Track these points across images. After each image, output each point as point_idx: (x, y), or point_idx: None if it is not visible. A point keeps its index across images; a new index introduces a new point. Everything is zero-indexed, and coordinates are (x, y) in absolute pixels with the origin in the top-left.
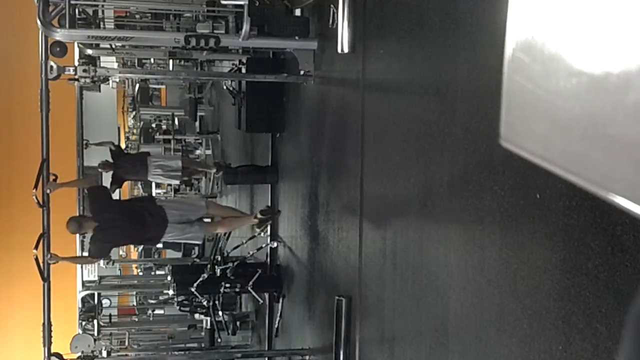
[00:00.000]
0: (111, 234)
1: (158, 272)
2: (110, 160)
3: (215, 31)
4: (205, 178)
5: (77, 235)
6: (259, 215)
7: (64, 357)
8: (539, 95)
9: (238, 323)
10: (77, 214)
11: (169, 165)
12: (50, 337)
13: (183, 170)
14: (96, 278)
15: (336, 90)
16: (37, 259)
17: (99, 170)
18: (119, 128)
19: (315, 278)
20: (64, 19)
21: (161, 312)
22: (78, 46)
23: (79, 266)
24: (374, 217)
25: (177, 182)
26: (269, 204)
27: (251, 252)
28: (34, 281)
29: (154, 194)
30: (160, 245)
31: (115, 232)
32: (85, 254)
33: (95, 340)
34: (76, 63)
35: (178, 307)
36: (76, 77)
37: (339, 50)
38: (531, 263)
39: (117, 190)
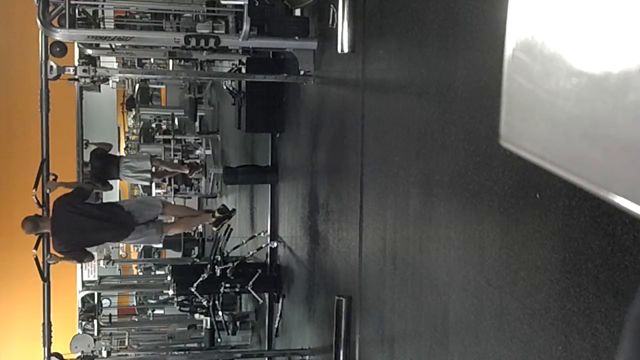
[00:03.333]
0: (64, 235)
1: (158, 272)
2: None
3: (215, 31)
4: (205, 178)
5: None
6: (216, 214)
7: (64, 357)
8: (539, 95)
9: (238, 323)
10: (32, 214)
11: (138, 166)
12: (50, 337)
13: (153, 172)
14: (96, 278)
15: (336, 90)
16: (37, 259)
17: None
18: (119, 128)
19: (315, 278)
20: (64, 19)
21: (161, 312)
22: (78, 46)
23: (78, 266)
24: (374, 217)
25: (147, 183)
26: (224, 204)
27: (251, 252)
28: (34, 281)
29: (154, 195)
30: (160, 245)
31: (69, 232)
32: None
33: (95, 340)
34: (76, 63)
35: (178, 307)
36: (76, 77)
37: (339, 50)
38: (531, 263)
39: (119, 191)
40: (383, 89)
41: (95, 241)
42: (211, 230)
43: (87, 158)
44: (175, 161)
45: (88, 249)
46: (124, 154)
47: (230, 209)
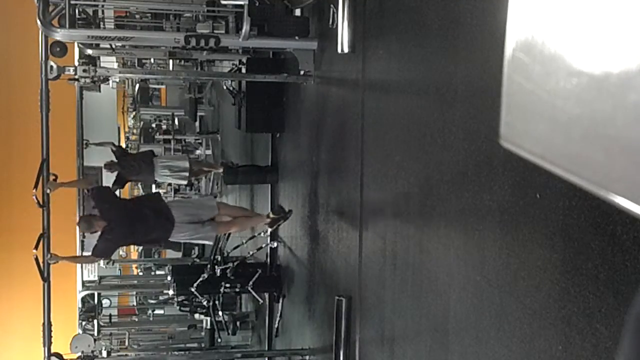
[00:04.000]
0: (119, 233)
1: (158, 272)
2: (115, 160)
3: (215, 31)
4: (205, 178)
5: (77, 234)
6: (271, 215)
7: (64, 357)
8: (539, 96)
9: (238, 323)
10: (85, 214)
11: (176, 165)
12: (50, 337)
13: (190, 170)
14: (96, 278)
15: (336, 90)
16: (37, 259)
17: (105, 170)
18: (119, 128)
19: (315, 278)
20: (64, 19)
21: (161, 312)
22: (78, 46)
23: (78, 266)
24: (374, 217)
25: (185, 182)
26: (280, 204)
27: (251, 252)
28: (34, 281)
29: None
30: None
31: (123, 231)
32: (86, 253)
33: (95, 340)
34: (76, 63)
35: (178, 307)
36: (76, 77)
37: (339, 50)
38: (531, 263)
39: (119, 190)
40: (383, 89)
41: (141, 242)
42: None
43: (87, 159)
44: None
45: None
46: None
47: (287, 209)
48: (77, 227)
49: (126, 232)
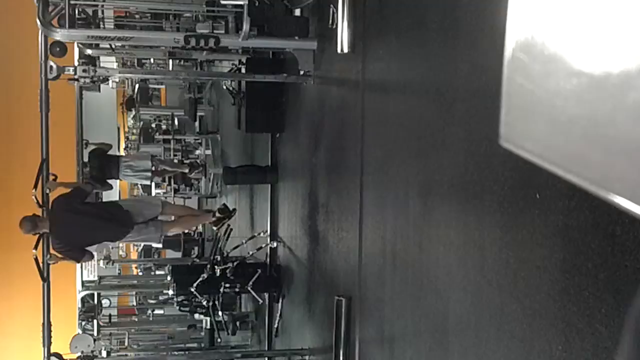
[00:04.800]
0: (61, 234)
1: (158, 272)
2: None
3: (215, 31)
4: (205, 178)
5: None
6: (217, 214)
7: (64, 357)
8: (539, 95)
9: (238, 323)
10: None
11: (138, 165)
12: (50, 337)
13: (153, 170)
14: (96, 278)
15: (336, 90)
16: (36, 259)
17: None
18: (118, 128)
19: (315, 278)
20: (63, 19)
21: (161, 312)
22: (78, 46)
23: (78, 266)
24: (374, 217)
25: (148, 182)
26: (225, 203)
27: (251, 252)
28: (34, 281)
29: (153, 194)
30: (159, 245)
31: (67, 231)
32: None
33: (95, 340)
34: (76, 63)
35: (178, 307)
36: (76, 77)
37: (339, 50)
38: (531, 263)
39: (118, 191)
40: (383, 89)
41: (94, 240)
42: (211, 230)
43: (87, 158)
44: (175, 161)
45: (87, 248)
46: (124, 154)
47: (230, 208)
48: (20, 229)
49: (71, 232)
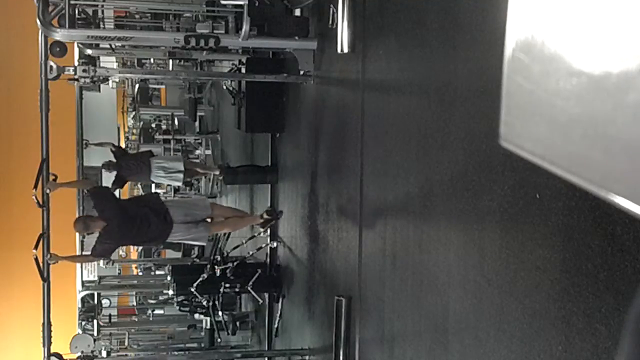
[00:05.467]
0: (118, 234)
1: (158, 272)
2: (114, 160)
3: (215, 31)
4: (205, 178)
5: (77, 235)
6: (265, 216)
7: (64, 357)
8: (539, 95)
9: (238, 323)
10: (83, 214)
11: (171, 167)
12: (50, 337)
13: (185, 171)
14: (96, 278)
15: (336, 90)
16: (36, 259)
17: (104, 170)
18: (118, 128)
19: (315, 278)
20: (63, 19)
21: (161, 312)
22: (78, 46)
23: (78, 266)
24: (374, 217)
25: (179, 183)
26: (271, 205)
27: (251, 252)
28: (34, 281)
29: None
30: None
31: (122, 231)
32: (86, 252)
33: (95, 340)
34: (76, 63)
35: (178, 307)
36: (76, 77)
37: (339, 50)
38: (531, 263)
39: (118, 190)
40: (383, 89)
41: (146, 239)
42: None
43: (87, 159)
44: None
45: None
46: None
47: (278, 210)
48: (74, 229)
49: (125, 233)
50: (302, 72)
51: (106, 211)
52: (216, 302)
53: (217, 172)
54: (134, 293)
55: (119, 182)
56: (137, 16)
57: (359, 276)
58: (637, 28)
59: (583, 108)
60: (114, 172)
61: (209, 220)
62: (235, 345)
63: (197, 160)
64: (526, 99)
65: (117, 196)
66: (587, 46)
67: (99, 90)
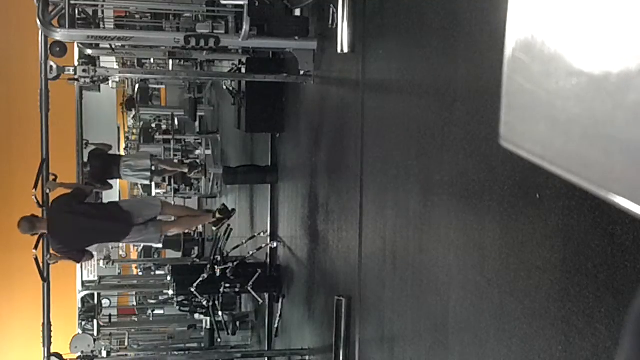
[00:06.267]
0: (62, 235)
1: (158, 272)
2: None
3: (215, 31)
4: (205, 178)
5: None
6: (217, 215)
7: (64, 357)
8: (539, 95)
9: (238, 323)
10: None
11: (137, 164)
12: (50, 337)
13: (153, 170)
14: (96, 278)
15: (336, 90)
16: (36, 259)
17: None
18: (118, 128)
19: (315, 278)
20: (63, 19)
21: (161, 312)
22: (78, 46)
23: (78, 266)
24: (374, 217)
25: (147, 182)
26: (225, 203)
27: (251, 252)
28: (34, 281)
29: (153, 194)
30: (159, 245)
31: (66, 232)
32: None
33: (95, 340)
34: (76, 63)
35: (178, 307)
36: (76, 77)
37: (339, 50)
38: (531, 263)
39: (118, 191)
40: (383, 89)
41: (93, 241)
42: (211, 229)
43: (87, 158)
44: (175, 160)
45: (87, 248)
46: (124, 154)
47: (230, 209)
48: (18, 229)
49: (70, 238)
50: (302, 72)
51: (54, 212)
52: (216, 302)
53: (186, 170)
54: (134, 293)
55: (97, 182)
56: (137, 16)
57: (359, 276)
58: (637, 28)
59: (583, 108)
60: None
61: (163, 219)
62: (235, 345)
63: (168, 158)
64: (526, 99)
65: (117, 197)
66: (587, 46)
67: (99, 90)
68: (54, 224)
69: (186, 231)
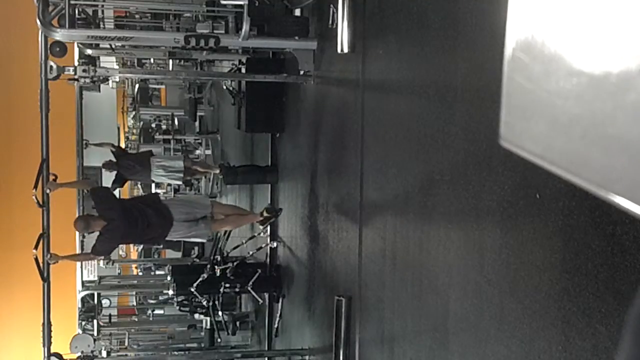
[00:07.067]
0: (118, 232)
1: (158, 272)
2: (114, 159)
3: (215, 31)
4: (205, 178)
5: (77, 234)
6: (264, 214)
7: (64, 357)
8: (539, 95)
9: (238, 323)
10: (83, 214)
11: (171, 165)
12: (50, 337)
13: (185, 170)
14: (96, 278)
15: (336, 90)
16: (37, 259)
17: (104, 170)
18: (118, 128)
19: (315, 278)
20: (63, 19)
21: (161, 312)
22: (78, 46)
23: (78, 266)
24: (374, 217)
25: (179, 182)
26: (270, 203)
27: (251, 252)
28: (34, 281)
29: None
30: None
31: (122, 230)
32: (86, 251)
33: (95, 340)
34: (76, 63)
35: (178, 307)
36: (76, 77)
37: (339, 50)
38: (531, 263)
39: (118, 190)
40: (383, 89)
41: (147, 237)
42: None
43: (87, 159)
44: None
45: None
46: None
47: (277, 208)
48: (74, 228)
49: (125, 231)
50: (302, 72)
51: (107, 210)
52: (216, 302)
53: (218, 171)
54: (134, 293)
55: (118, 182)
56: (137, 16)
57: (359, 276)
58: (637, 28)
59: (583, 108)
60: (114, 172)
61: (209, 217)
62: (235, 345)
63: (198, 160)
64: (526, 99)
65: (117, 196)
66: (587, 46)
67: (99, 90)
68: (113, 220)
69: (235, 229)
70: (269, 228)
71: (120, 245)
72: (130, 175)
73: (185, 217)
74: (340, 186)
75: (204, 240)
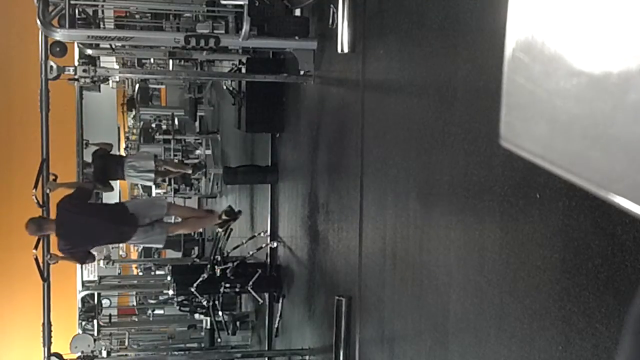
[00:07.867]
0: (70, 236)
1: (158, 272)
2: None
3: (215, 31)
4: (205, 178)
5: None
6: (223, 216)
7: (64, 357)
8: (539, 95)
9: (238, 323)
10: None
11: (141, 165)
12: (50, 337)
13: (157, 171)
14: (96, 278)
15: (336, 90)
16: (37, 259)
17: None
18: (118, 128)
19: (315, 278)
20: (63, 19)
21: (161, 312)
22: (78, 46)
23: (78, 266)
24: (374, 217)
25: (150, 183)
26: (231, 205)
27: (251, 252)
28: (34, 281)
29: (153, 195)
30: (161, 246)
31: (73, 233)
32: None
33: (95, 340)
34: (76, 63)
35: (178, 307)
36: (76, 77)
37: (339, 50)
38: (531, 263)
39: (118, 191)
40: (383, 89)
41: (99, 242)
42: (211, 229)
43: (87, 158)
44: (176, 161)
45: (91, 249)
46: (125, 154)
47: (236, 210)
48: (26, 230)
49: (78, 234)
50: (302, 72)
51: (61, 213)
52: (216, 302)
53: (190, 171)
54: (134, 293)
55: (100, 183)
56: (137, 16)
57: (359, 276)
58: (637, 28)
59: (583, 108)
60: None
61: (166, 220)
62: (235, 345)
63: (169, 159)
64: (526, 99)
65: (118, 198)
66: (587, 46)
67: (99, 90)
68: (62, 224)
69: (191, 232)
70: (268, 229)
71: (121, 246)
72: (105, 175)
73: (142, 221)
74: (340, 186)
75: (160, 246)
